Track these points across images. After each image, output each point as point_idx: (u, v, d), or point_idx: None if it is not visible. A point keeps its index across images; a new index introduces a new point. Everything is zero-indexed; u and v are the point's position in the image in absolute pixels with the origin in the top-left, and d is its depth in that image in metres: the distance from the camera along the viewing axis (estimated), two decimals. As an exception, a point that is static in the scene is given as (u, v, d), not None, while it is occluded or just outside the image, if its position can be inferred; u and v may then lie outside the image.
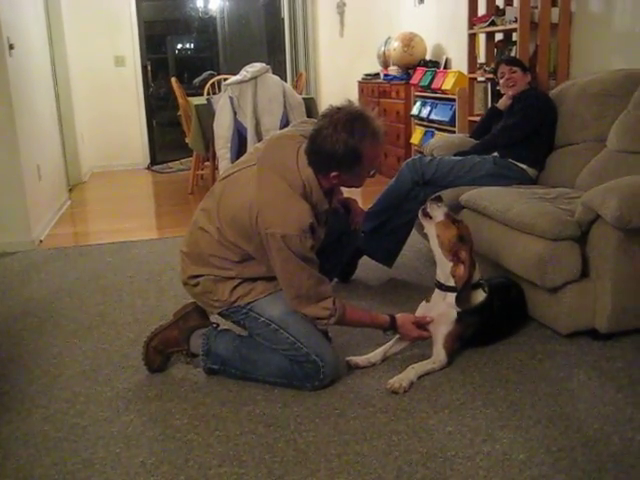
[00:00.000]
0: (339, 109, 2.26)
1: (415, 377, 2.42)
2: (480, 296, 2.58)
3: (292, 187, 2.27)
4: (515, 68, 3.83)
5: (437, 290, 2.61)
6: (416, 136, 6.06)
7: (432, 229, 2.59)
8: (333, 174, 2.28)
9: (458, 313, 2.52)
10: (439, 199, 2.60)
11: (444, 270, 2.57)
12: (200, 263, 2.44)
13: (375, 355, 2.58)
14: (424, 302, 2.67)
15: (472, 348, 2.65)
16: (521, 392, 2.33)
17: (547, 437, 2.05)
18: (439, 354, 2.51)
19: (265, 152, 2.41)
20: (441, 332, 2.53)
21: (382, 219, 3.43)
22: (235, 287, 2.39)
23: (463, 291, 2.51)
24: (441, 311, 2.55)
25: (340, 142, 2.20)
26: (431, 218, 2.59)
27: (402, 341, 2.63)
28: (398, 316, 2.56)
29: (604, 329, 2.68)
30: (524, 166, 3.62)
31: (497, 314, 2.67)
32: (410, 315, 2.59)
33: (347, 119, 2.22)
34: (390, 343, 2.63)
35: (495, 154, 3.68)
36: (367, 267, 3.57)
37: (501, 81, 3.88)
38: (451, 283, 2.55)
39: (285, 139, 2.45)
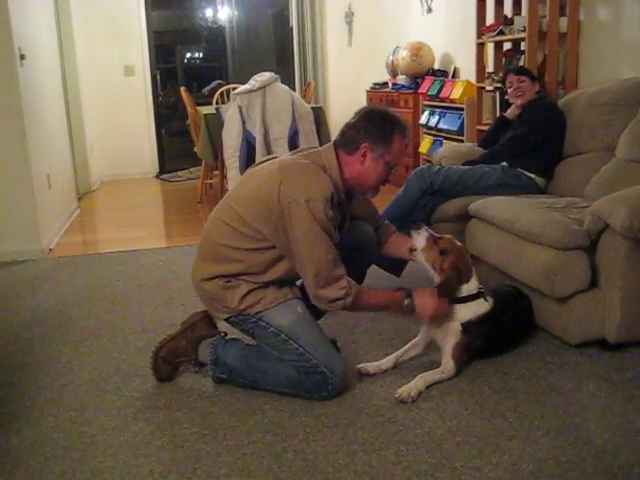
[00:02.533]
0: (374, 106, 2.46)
1: (424, 387, 2.41)
2: (483, 307, 2.57)
3: (314, 163, 2.37)
4: (523, 77, 3.83)
5: None
6: (424, 145, 6.06)
7: (420, 256, 2.60)
8: (363, 146, 2.38)
9: (462, 324, 2.52)
10: (418, 226, 2.64)
11: (431, 276, 2.59)
12: (210, 259, 2.44)
13: (387, 362, 2.59)
14: None
15: (481, 359, 2.64)
16: (530, 403, 2.32)
17: (556, 448, 2.04)
18: (447, 364, 2.51)
19: (285, 154, 2.58)
20: (449, 343, 2.52)
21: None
22: (245, 295, 2.39)
23: (442, 291, 2.49)
24: (446, 323, 2.55)
25: (375, 120, 2.40)
26: (416, 249, 2.60)
27: (415, 348, 2.65)
28: (415, 290, 2.52)
29: (613, 339, 2.66)
30: (533, 175, 3.62)
31: (504, 324, 2.66)
32: (426, 291, 2.52)
33: (383, 110, 2.49)
34: (402, 350, 2.64)
35: (504, 163, 3.68)
36: (375, 276, 3.56)
37: (509, 90, 3.89)
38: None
39: (307, 148, 2.61)
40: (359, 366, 2.56)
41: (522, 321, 2.84)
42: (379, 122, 2.40)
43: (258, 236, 2.35)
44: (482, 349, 2.62)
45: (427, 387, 2.42)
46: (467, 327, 2.52)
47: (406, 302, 2.48)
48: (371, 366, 2.56)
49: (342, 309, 2.38)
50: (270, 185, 2.30)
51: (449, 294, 2.51)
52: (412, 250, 2.63)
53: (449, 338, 2.52)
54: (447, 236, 2.62)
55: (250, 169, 2.61)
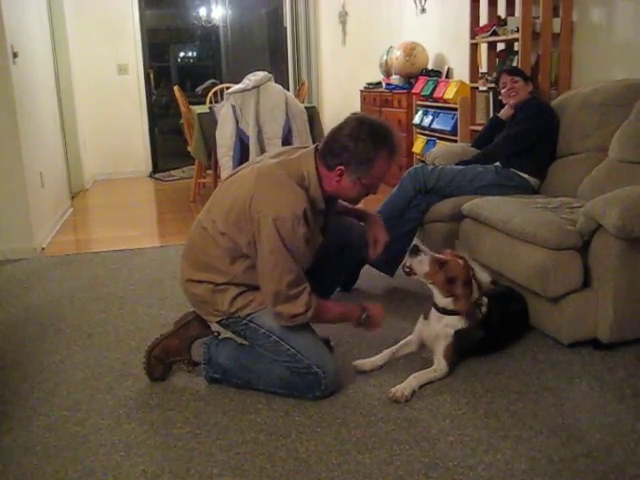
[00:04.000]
0: (369, 115, 2.34)
1: (417, 386, 2.42)
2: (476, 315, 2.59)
3: (290, 176, 2.28)
4: (517, 78, 3.84)
5: (434, 310, 2.61)
6: (418, 145, 6.07)
7: (422, 279, 2.57)
8: (339, 168, 2.28)
9: (455, 332, 2.53)
10: (416, 251, 2.55)
11: (441, 300, 2.57)
12: (197, 266, 2.44)
13: (382, 357, 2.60)
14: (422, 318, 2.68)
15: (474, 358, 2.65)
16: (523, 402, 2.33)
17: (549, 447, 2.05)
18: (440, 364, 2.52)
19: (269, 154, 2.47)
20: (441, 345, 2.54)
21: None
22: (235, 298, 2.38)
23: (470, 317, 2.53)
24: (439, 330, 2.56)
25: (359, 139, 2.25)
26: (416, 274, 2.55)
27: (409, 345, 2.67)
28: (369, 306, 2.54)
29: (606, 339, 2.67)
30: (526, 176, 3.63)
31: (497, 325, 2.67)
32: (380, 308, 2.56)
33: (374, 123, 2.30)
34: (397, 346, 2.66)
35: (497, 164, 3.69)
36: (369, 276, 3.57)
37: (503, 91, 3.89)
38: (450, 307, 2.55)
39: (292, 147, 2.53)
40: (355, 363, 2.57)
41: (516, 322, 2.85)
42: (364, 142, 2.25)
43: (235, 247, 2.32)
44: (475, 349, 2.63)
45: (420, 386, 2.43)
46: (458, 334, 2.54)
47: (363, 316, 2.50)
48: (367, 363, 2.57)
49: (303, 322, 2.34)
50: (244, 197, 2.26)
51: (473, 312, 2.54)
52: (410, 274, 2.57)
53: (441, 341, 2.54)
54: (449, 257, 2.57)
55: (233, 172, 2.54)
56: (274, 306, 2.29)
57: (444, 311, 2.56)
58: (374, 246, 2.72)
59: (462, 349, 2.57)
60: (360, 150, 2.25)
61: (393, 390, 2.38)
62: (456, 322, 2.54)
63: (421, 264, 2.53)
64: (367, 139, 2.25)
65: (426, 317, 2.65)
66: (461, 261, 2.57)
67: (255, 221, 2.22)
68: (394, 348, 2.65)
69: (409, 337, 2.69)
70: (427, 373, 2.48)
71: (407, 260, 2.57)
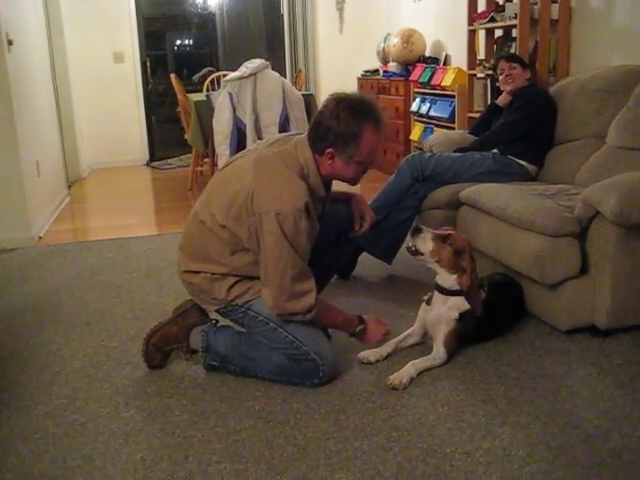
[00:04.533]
0: (348, 92, 2.31)
1: (415, 373, 2.42)
2: (480, 296, 2.59)
3: (289, 167, 2.27)
4: (515, 64, 3.82)
5: (437, 293, 2.59)
6: (415, 132, 6.05)
7: (428, 258, 2.54)
8: (328, 151, 2.27)
9: (460, 314, 2.53)
10: (418, 230, 2.54)
11: (446, 279, 2.55)
12: (194, 257, 2.43)
13: (387, 347, 2.59)
14: (424, 304, 2.66)
15: (472, 345, 2.66)
16: (520, 388, 2.34)
17: (546, 433, 2.05)
18: (439, 351, 2.51)
19: (265, 143, 2.44)
20: (442, 331, 2.53)
21: (382, 215, 3.43)
22: (232, 286, 2.38)
23: (473, 295, 2.52)
24: (442, 313, 2.55)
25: (341, 117, 2.23)
26: (423, 254, 2.53)
27: (412, 336, 2.65)
28: (367, 317, 2.58)
29: (603, 326, 2.68)
30: (524, 163, 3.63)
31: (496, 311, 2.68)
32: (377, 318, 2.61)
33: (353, 99, 2.28)
34: (401, 336, 2.64)
35: (495, 151, 3.68)
36: (367, 264, 3.57)
37: (501, 77, 3.88)
38: (454, 287, 2.54)
39: (286, 134, 2.50)
40: (360, 355, 2.55)
41: (513, 308, 2.86)
42: (345, 119, 2.23)
43: (236, 240, 2.32)
44: (474, 336, 2.63)
45: (418, 374, 2.43)
46: (463, 316, 2.53)
47: (358, 329, 2.53)
48: (372, 354, 2.55)
49: (299, 320, 2.34)
50: (245, 192, 2.24)
51: (478, 290, 2.54)
52: (415, 253, 2.55)
53: (443, 326, 2.53)
54: (452, 231, 2.58)
55: (229, 161, 2.52)
56: (275, 300, 2.27)
57: (449, 292, 2.54)
58: (360, 222, 2.71)
59: (463, 336, 2.56)
60: (344, 128, 2.24)
61: (391, 378, 2.38)
62: (461, 304, 2.53)
63: (425, 242, 2.52)
64: (348, 116, 2.23)
65: (428, 303, 2.63)
66: (463, 235, 2.58)
67: (257, 216, 2.22)
68: (399, 338, 2.63)
69: (412, 328, 2.68)
70: (425, 360, 2.48)
71: (410, 241, 2.56)
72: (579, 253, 2.66)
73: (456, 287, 2.53)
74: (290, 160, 2.30)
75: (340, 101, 2.26)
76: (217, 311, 2.48)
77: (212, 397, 2.35)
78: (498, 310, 2.70)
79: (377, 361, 2.54)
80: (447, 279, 2.55)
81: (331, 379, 2.40)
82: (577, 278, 2.68)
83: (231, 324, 2.55)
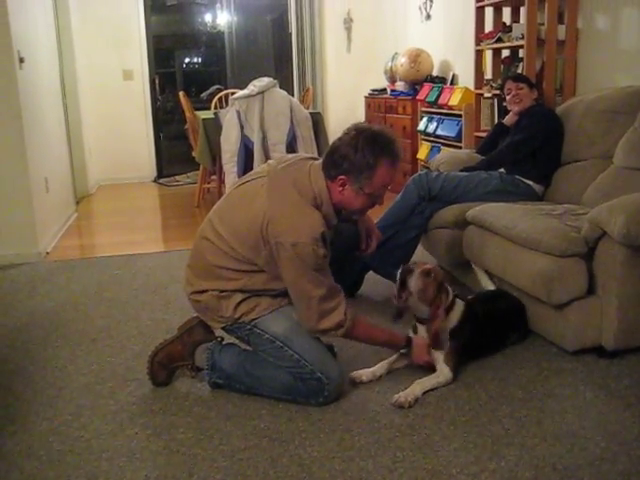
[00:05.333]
0: (370, 124, 2.33)
1: (420, 392, 2.41)
2: (460, 306, 2.61)
3: (303, 196, 2.28)
4: (522, 85, 3.84)
5: (420, 325, 2.61)
6: (422, 151, 6.07)
7: (414, 298, 2.54)
8: (340, 178, 2.28)
9: (450, 331, 2.55)
10: (410, 270, 2.53)
11: (424, 310, 2.56)
12: (205, 276, 2.43)
13: (380, 367, 2.59)
14: (411, 333, 2.67)
15: (477, 364, 2.65)
16: (527, 409, 2.32)
17: (553, 455, 2.03)
18: (442, 370, 2.51)
19: (277, 165, 2.43)
20: (439, 353, 2.54)
21: (388, 234, 3.43)
22: (239, 303, 2.38)
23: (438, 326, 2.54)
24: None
25: (359, 147, 2.25)
26: (411, 293, 2.52)
27: (406, 357, 2.64)
28: (414, 337, 2.59)
29: (611, 346, 2.66)
30: (530, 182, 3.63)
31: (482, 317, 2.69)
32: (425, 339, 2.57)
33: (374, 131, 2.30)
34: (394, 357, 2.63)
35: (501, 170, 3.69)
36: (373, 282, 3.57)
37: (508, 97, 3.89)
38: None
39: (298, 156, 2.51)
40: (352, 375, 2.54)
41: (507, 319, 2.86)
42: (363, 150, 2.24)
43: (252, 263, 2.34)
44: (470, 348, 2.63)
45: (424, 393, 2.42)
46: (453, 332, 2.55)
47: (403, 351, 2.58)
48: (365, 373, 2.55)
49: (333, 337, 2.38)
50: (259, 221, 2.25)
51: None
52: (401, 297, 2.53)
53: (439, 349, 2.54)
54: (428, 265, 2.60)
55: (240, 182, 2.52)
56: (307, 323, 2.31)
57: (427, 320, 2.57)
58: (367, 241, 2.73)
59: (459, 350, 2.57)
60: (360, 158, 2.25)
61: (396, 396, 2.37)
62: (446, 323, 2.55)
63: (416, 280, 2.52)
64: (367, 147, 2.25)
65: (415, 332, 2.65)
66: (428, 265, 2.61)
67: (273, 245, 2.23)
68: (392, 359, 2.63)
69: (404, 350, 2.67)
70: (431, 379, 2.47)
71: (399, 282, 2.52)
72: (586, 273, 2.65)
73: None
74: (304, 188, 2.30)
75: (362, 131, 2.28)
76: (223, 328, 2.48)
77: (217, 415, 2.34)
78: (486, 317, 2.72)
79: (370, 381, 2.54)
80: (425, 310, 2.57)
81: (336, 398, 2.39)
82: (584, 298, 2.66)
83: (237, 342, 2.54)
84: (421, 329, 2.61)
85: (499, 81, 4.72)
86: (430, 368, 2.56)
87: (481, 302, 2.81)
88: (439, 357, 2.53)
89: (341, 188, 2.30)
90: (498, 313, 2.83)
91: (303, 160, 2.45)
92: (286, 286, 2.32)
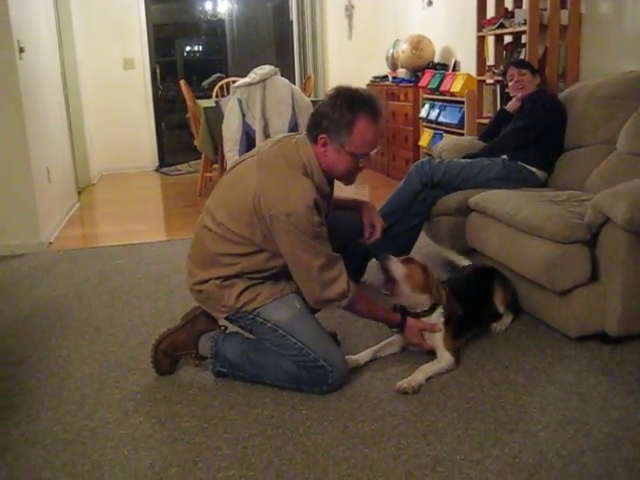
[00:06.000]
0: (353, 87, 2.32)
1: (424, 378, 2.42)
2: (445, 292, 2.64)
3: (292, 167, 2.28)
4: (524, 71, 3.82)
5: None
6: (424, 138, 6.05)
7: (402, 285, 2.53)
8: (321, 136, 2.27)
9: (444, 319, 2.57)
10: (386, 257, 2.54)
11: (416, 302, 2.57)
12: (206, 265, 2.43)
13: (365, 355, 2.60)
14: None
15: (480, 351, 2.65)
16: (530, 396, 2.32)
17: (557, 441, 2.04)
18: (443, 356, 2.53)
19: (265, 145, 2.45)
20: (437, 338, 2.55)
21: (391, 222, 3.42)
22: (241, 292, 2.38)
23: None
24: (429, 327, 2.57)
25: (337, 105, 2.25)
26: (396, 281, 2.53)
27: (392, 345, 2.67)
28: (409, 318, 2.58)
29: (614, 333, 2.66)
30: (533, 169, 3.61)
31: (465, 295, 2.71)
32: (418, 321, 2.58)
33: (353, 91, 2.29)
34: (380, 345, 2.65)
35: (504, 157, 3.67)
36: (376, 270, 3.56)
37: (510, 84, 3.87)
38: (425, 307, 2.57)
39: (285, 135, 2.52)
40: None
41: (487, 287, 2.90)
42: (341, 107, 2.23)
43: (250, 242, 2.33)
44: (462, 324, 2.64)
45: (427, 379, 2.43)
46: (447, 319, 2.58)
47: (394, 330, 2.61)
48: (350, 359, 2.54)
49: (335, 307, 2.39)
50: (251, 196, 2.24)
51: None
52: (389, 283, 2.54)
53: (437, 334, 2.56)
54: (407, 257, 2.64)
55: (230, 167, 2.53)
56: (309, 293, 2.32)
57: (422, 314, 2.58)
58: (370, 230, 2.72)
59: (455, 331, 2.60)
60: (338, 115, 2.24)
61: (400, 383, 2.38)
62: (439, 312, 2.57)
63: (397, 265, 2.53)
64: (344, 104, 2.25)
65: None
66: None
67: (267, 219, 2.22)
68: (376, 347, 2.64)
69: (391, 338, 2.68)
70: (433, 365, 2.49)
71: (381, 268, 2.55)
72: (589, 260, 2.65)
73: (426, 306, 2.56)
74: (293, 160, 2.30)
75: (340, 90, 2.30)
76: (226, 318, 2.48)
77: (221, 403, 2.35)
78: (474, 294, 2.79)
79: (355, 367, 2.53)
80: (417, 302, 2.56)
81: (340, 386, 2.39)
82: (587, 285, 2.66)
83: (240, 330, 2.55)
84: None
85: (501, 67, 4.69)
86: (422, 350, 2.59)
87: (458, 280, 2.86)
88: (438, 343, 2.55)
89: (323, 148, 2.29)
90: (477, 285, 2.88)
91: (289, 137, 2.46)
92: (285, 260, 2.30)
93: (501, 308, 2.88)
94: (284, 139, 2.44)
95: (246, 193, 2.27)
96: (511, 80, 3.86)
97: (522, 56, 4.58)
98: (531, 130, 3.64)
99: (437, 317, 2.57)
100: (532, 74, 3.83)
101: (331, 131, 2.26)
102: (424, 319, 2.57)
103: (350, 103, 2.24)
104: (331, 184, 2.44)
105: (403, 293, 2.54)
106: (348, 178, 2.41)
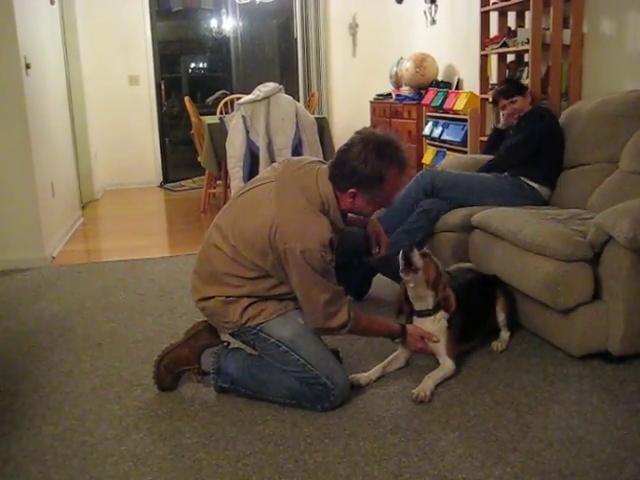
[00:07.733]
0: (374, 131, 2.34)
1: (433, 385, 2.48)
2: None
3: (311, 203, 2.29)
4: (515, 98, 3.85)
5: (418, 318, 2.66)
6: (428, 156, 6.06)
7: (420, 275, 2.57)
8: (351, 191, 2.30)
9: (447, 321, 2.62)
10: (410, 248, 2.56)
11: (425, 298, 2.62)
12: (212, 282, 2.44)
13: (375, 371, 2.62)
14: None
15: (482, 369, 2.64)
16: (533, 415, 2.31)
17: (559, 461, 2.03)
18: (445, 362, 2.59)
19: (284, 170, 2.43)
20: (441, 344, 2.60)
21: (389, 231, 3.42)
22: (245, 308, 2.38)
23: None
24: (433, 330, 2.61)
25: (368, 160, 2.25)
26: (419, 270, 2.55)
27: (399, 359, 2.69)
28: (408, 326, 2.63)
29: (617, 352, 2.65)
30: (535, 185, 3.63)
31: (467, 301, 2.73)
32: (418, 328, 2.63)
33: (380, 141, 2.29)
34: (387, 360, 2.67)
35: (505, 174, 3.69)
36: (381, 285, 3.56)
37: (504, 113, 3.92)
38: (431, 306, 2.62)
39: (304, 160, 2.51)
40: (351, 377, 2.55)
41: (485, 292, 2.94)
42: (372, 162, 2.24)
43: (260, 268, 2.35)
44: (464, 329, 2.69)
45: (436, 386, 2.48)
46: (450, 322, 2.62)
47: (397, 341, 2.67)
48: (362, 377, 2.57)
49: (337, 335, 2.45)
50: (267, 227, 2.25)
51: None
52: (409, 272, 2.55)
53: (440, 339, 2.60)
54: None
55: (246, 187, 2.52)
56: (313, 323, 2.36)
57: (428, 312, 2.63)
58: (377, 247, 2.80)
59: (456, 336, 2.64)
60: (369, 171, 2.26)
61: (415, 392, 2.42)
62: (443, 314, 2.62)
63: (419, 258, 2.56)
64: (375, 159, 2.25)
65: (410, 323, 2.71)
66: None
67: (281, 252, 2.25)
68: (384, 362, 2.67)
69: (396, 352, 2.70)
70: (437, 372, 2.55)
71: (403, 259, 2.55)
72: (592, 278, 2.65)
73: (430, 305, 2.62)
74: (312, 194, 2.31)
75: (367, 142, 2.27)
76: (229, 333, 2.48)
77: (222, 420, 2.34)
78: (474, 300, 2.82)
79: (367, 384, 2.56)
80: (426, 298, 2.62)
81: (342, 403, 2.39)
82: (590, 303, 2.66)
83: (242, 346, 2.54)
84: (421, 322, 2.65)
85: (490, 97, 4.71)
86: (425, 354, 2.66)
87: (461, 286, 2.85)
88: (440, 349, 2.60)
89: (352, 199, 2.33)
90: (479, 292, 2.92)
91: (310, 164, 2.45)
92: (293, 288, 2.33)
93: (501, 315, 2.90)
94: (305, 166, 2.42)
95: (263, 223, 2.28)
96: (503, 109, 3.90)
97: (525, 75, 4.59)
98: (525, 145, 3.67)
99: (440, 318, 2.61)
100: (522, 96, 3.86)
101: (362, 186, 2.29)
102: (428, 319, 2.62)
103: (380, 156, 2.25)
104: (344, 219, 2.46)
105: (418, 282, 2.58)
106: (369, 216, 2.55)
